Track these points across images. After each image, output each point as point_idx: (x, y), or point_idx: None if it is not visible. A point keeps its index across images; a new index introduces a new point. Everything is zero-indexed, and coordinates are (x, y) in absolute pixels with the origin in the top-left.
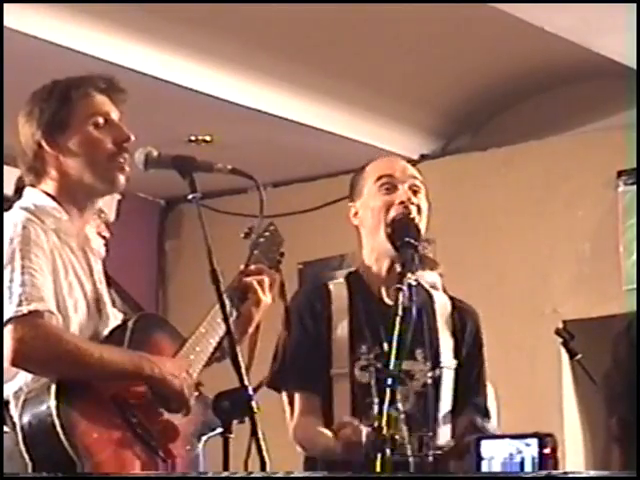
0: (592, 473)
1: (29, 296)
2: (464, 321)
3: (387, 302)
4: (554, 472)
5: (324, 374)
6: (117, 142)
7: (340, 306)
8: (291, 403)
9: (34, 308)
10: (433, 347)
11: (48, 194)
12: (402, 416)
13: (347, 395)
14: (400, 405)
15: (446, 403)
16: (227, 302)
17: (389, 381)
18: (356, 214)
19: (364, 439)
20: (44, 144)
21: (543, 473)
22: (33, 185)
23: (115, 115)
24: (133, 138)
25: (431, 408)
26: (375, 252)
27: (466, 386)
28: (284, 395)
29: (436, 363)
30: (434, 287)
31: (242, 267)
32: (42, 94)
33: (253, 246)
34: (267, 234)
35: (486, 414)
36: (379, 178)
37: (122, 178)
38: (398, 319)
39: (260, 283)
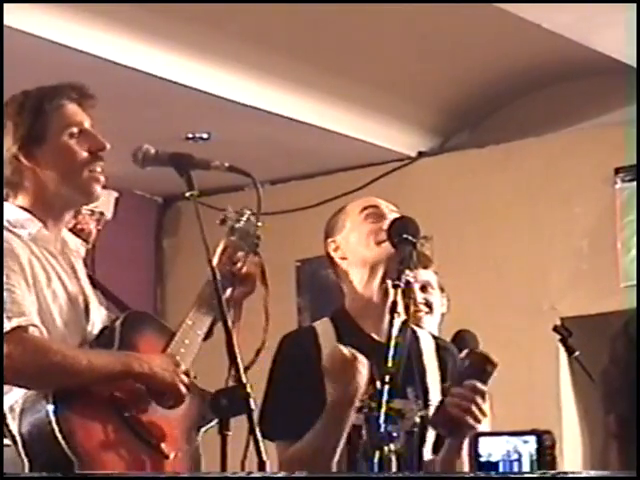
0: (592, 473)
1: (10, 312)
2: (447, 359)
3: (377, 339)
4: (554, 472)
5: (319, 409)
6: (92, 151)
7: (329, 343)
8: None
9: (17, 324)
10: (423, 385)
11: (21, 207)
12: (393, 456)
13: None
14: (392, 445)
15: (430, 442)
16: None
17: (381, 421)
18: (337, 249)
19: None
20: (21, 157)
21: (548, 473)
22: (7, 198)
23: (88, 124)
24: (108, 147)
25: (417, 448)
26: (363, 285)
27: None
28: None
29: (426, 401)
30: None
31: (219, 251)
32: (14, 107)
33: (230, 232)
34: (243, 219)
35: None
36: (364, 209)
37: (98, 188)
38: (396, 319)
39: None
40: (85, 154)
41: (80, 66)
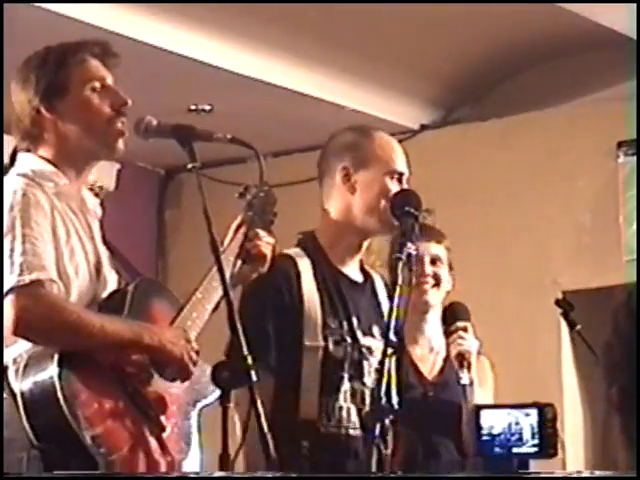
0: (597, 473)
1: (30, 265)
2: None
3: (348, 275)
4: (554, 472)
5: (295, 340)
6: (115, 107)
7: (307, 279)
8: None
9: (36, 277)
10: (384, 324)
11: (45, 159)
12: (367, 390)
13: (317, 368)
14: (367, 380)
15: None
16: (225, 266)
17: (355, 355)
18: (348, 177)
19: None
20: (43, 110)
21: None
22: (29, 150)
23: (110, 80)
24: (130, 102)
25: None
26: (348, 223)
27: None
28: None
29: (387, 340)
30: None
31: (235, 225)
32: (37, 61)
33: (247, 207)
34: (262, 195)
35: None
36: (392, 172)
37: (121, 143)
38: (397, 289)
39: (272, 251)
40: (108, 109)
41: (82, 37)
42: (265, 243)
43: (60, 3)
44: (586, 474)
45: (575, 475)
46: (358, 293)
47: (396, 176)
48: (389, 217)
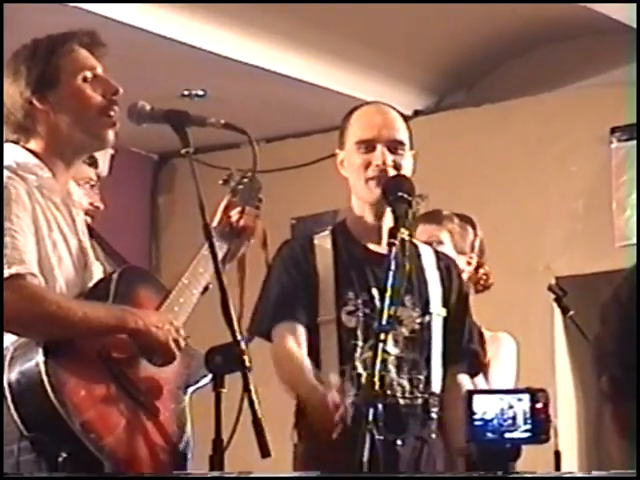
0: (594, 474)
1: (10, 259)
2: (449, 271)
3: (372, 249)
4: (554, 473)
5: (311, 317)
6: (107, 95)
7: (324, 257)
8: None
9: (15, 271)
10: (422, 295)
11: (31, 151)
12: (392, 358)
13: (334, 340)
14: (389, 348)
15: (437, 350)
16: (217, 244)
17: (376, 325)
18: (342, 162)
19: (344, 409)
20: (35, 101)
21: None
22: (16, 142)
23: (100, 69)
24: (122, 91)
25: (421, 353)
26: (358, 203)
27: (457, 333)
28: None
29: (425, 310)
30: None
31: (221, 210)
32: (26, 53)
33: (232, 193)
34: (245, 181)
35: (477, 361)
36: (358, 142)
37: (112, 134)
38: (391, 273)
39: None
40: (99, 98)
41: (75, 23)
42: (248, 216)
43: None
44: (580, 474)
45: (575, 475)
46: (382, 263)
47: (366, 145)
48: (371, 186)
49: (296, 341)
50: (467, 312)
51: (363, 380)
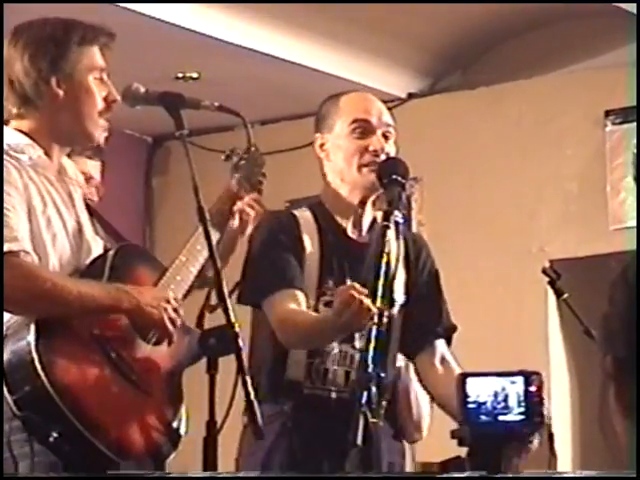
0: (593, 473)
1: (2, 237)
2: (418, 252)
3: (351, 236)
4: (554, 473)
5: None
6: (108, 101)
7: (310, 232)
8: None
9: (8, 249)
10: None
11: (22, 132)
12: (357, 354)
13: None
14: (357, 343)
15: (395, 341)
16: (212, 229)
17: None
18: (322, 146)
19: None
20: (53, 82)
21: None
22: (6, 123)
23: (105, 73)
24: (119, 100)
25: (384, 347)
26: (343, 186)
27: (426, 316)
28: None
29: (391, 302)
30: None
31: (224, 190)
32: (55, 33)
33: (234, 169)
34: (247, 156)
35: (450, 336)
36: (354, 121)
37: (102, 137)
38: (385, 258)
39: (253, 210)
40: (102, 101)
41: (71, 6)
42: (250, 202)
43: None
44: (579, 474)
45: (574, 475)
46: (360, 254)
47: (361, 125)
48: (365, 172)
49: (298, 306)
50: (440, 292)
51: (330, 375)
